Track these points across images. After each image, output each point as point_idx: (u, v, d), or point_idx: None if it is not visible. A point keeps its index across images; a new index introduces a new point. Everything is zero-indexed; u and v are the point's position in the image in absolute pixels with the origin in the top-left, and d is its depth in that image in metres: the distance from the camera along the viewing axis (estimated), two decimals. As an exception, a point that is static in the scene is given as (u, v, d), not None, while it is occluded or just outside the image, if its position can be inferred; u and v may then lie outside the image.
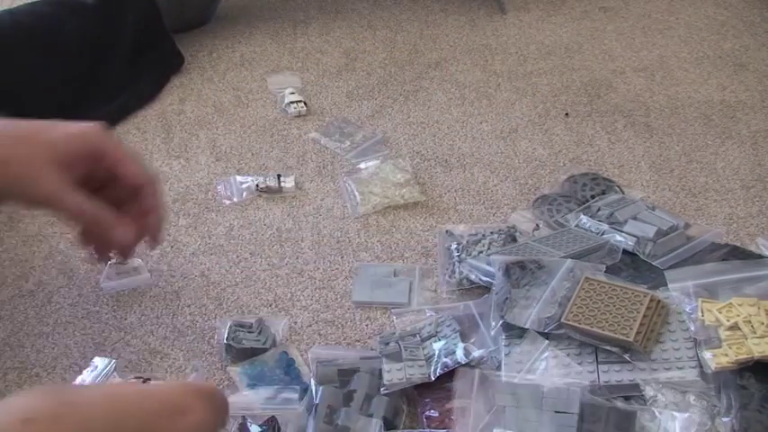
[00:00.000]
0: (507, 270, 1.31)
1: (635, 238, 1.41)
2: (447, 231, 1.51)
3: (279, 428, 1.17)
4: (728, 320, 1.19)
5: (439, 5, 2.41)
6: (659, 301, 1.22)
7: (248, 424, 1.17)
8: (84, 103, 1.98)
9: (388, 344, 1.27)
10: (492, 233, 1.46)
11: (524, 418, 1.08)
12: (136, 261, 1.53)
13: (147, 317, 1.43)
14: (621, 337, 1.16)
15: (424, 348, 1.26)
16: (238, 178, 1.73)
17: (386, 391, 1.18)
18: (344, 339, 1.35)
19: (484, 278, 1.36)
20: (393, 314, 1.37)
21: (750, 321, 1.18)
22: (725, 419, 1.10)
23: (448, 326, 1.29)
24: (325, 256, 1.53)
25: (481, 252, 1.41)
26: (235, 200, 1.69)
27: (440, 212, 1.61)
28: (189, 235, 1.61)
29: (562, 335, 1.21)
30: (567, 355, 1.18)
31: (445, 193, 1.66)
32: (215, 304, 1.45)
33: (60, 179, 0.83)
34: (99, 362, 1.33)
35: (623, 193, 1.59)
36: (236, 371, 1.29)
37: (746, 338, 1.16)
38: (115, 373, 1.31)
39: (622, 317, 1.18)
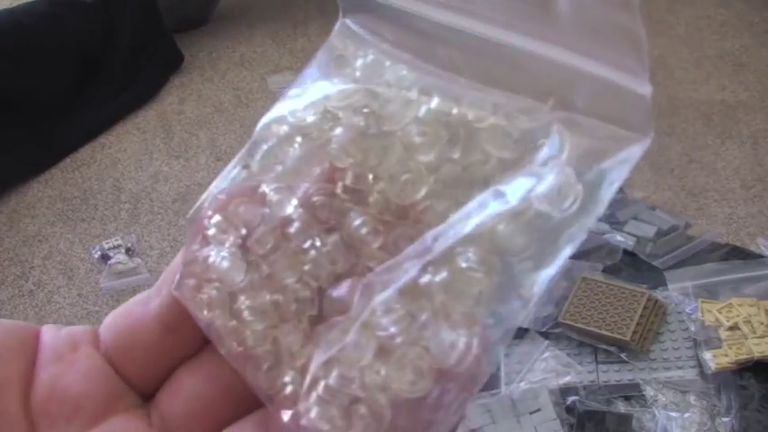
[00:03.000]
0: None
1: (635, 238, 1.41)
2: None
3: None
4: (728, 321, 1.19)
5: (439, 5, 2.41)
6: (657, 300, 1.22)
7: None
8: (83, 102, 1.98)
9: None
10: (492, 233, 1.46)
11: (506, 431, 1.08)
12: (136, 261, 1.53)
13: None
14: (618, 336, 1.16)
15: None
16: (238, 178, 1.73)
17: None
18: (344, 339, 1.35)
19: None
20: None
21: (750, 321, 1.18)
22: (725, 419, 1.10)
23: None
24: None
25: (481, 252, 1.41)
26: (235, 200, 1.69)
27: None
28: (189, 235, 1.61)
29: (560, 334, 1.21)
30: (567, 354, 1.18)
31: None
32: (215, 304, 1.45)
33: None
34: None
35: (623, 193, 1.59)
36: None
37: (746, 339, 1.16)
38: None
39: (619, 316, 1.18)
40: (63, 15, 1.99)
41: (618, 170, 0.21)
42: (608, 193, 0.21)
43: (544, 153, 0.21)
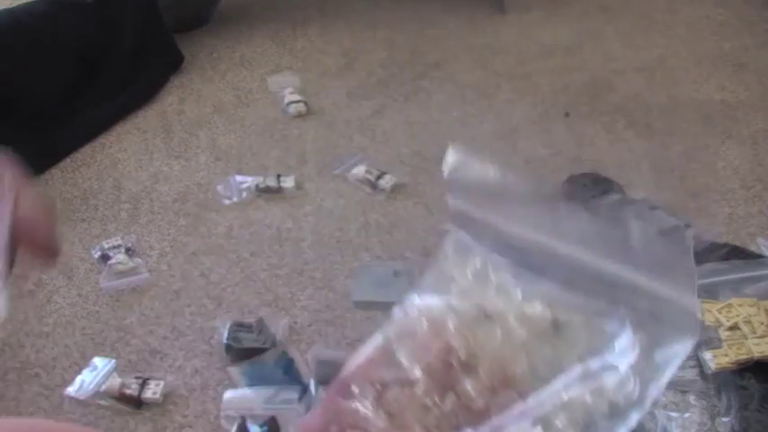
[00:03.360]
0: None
1: (635, 238, 1.41)
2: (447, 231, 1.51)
3: (279, 428, 1.16)
4: (728, 321, 1.19)
5: (439, 5, 2.41)
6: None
7: (248, 424, 1.17)
8: (83, 102, 1.98)
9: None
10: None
11: None
12: (136, 261, 1.53)
13: (146, 317, 1.43)
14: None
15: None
16: (238, 178, 1.73)
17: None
18: (344, 339, 1.35)
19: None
20: (393, 314, 1.37)
21: (750, 322, 1.18)
22: (725, 419, 1.10)
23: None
24: (325, 256, 1.53)
25: (481, 252, 1.41)
26: (235, 200, 1.69)
27: (440, 212, 1.61)
28: (189, 235, 1.61)
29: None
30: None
31: (446, 193, 1.66)
32: (215, 304, 1.45)
33: None
34: (99, 362, 1.33)
35: (624, 193, 1.59)
36: (236, 371, 1.29)
37: (746, 339, 1.16)
38: (115, 373, 1.31)
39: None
40: (63, 15, 1.99)
41: (668, 368, 0.29)
42: (659, 386, 0.29)
43: (619, 346, 0.28)
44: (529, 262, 0.31)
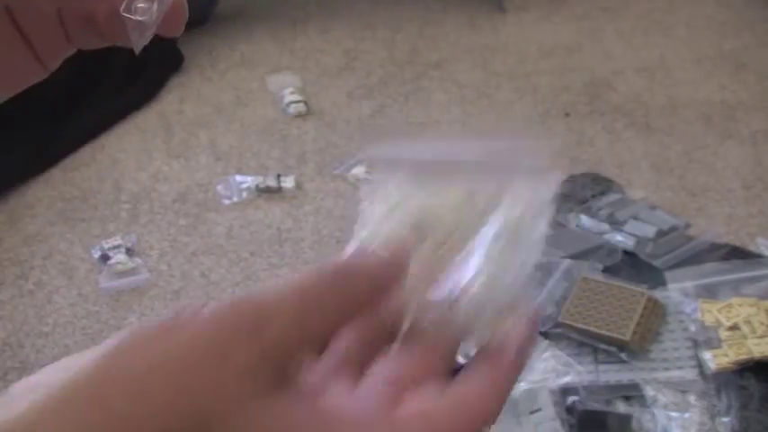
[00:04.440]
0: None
1: (635, 238, 1.41)
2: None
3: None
4: (728, 321, 1.19)
5: (439, 5, 2.40)
6: (656, 300, 1.23)
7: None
8: (83, 102, 1.98)
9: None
10: (492, 233, 1.46)
11: (506, 430, 1.08)
12: (136, 261, 1.53)
13: (147, 317, 1.43)
14: (618, 336, 1.16)
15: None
16: (238, 178, 1.73)
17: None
18: (344, 339, 1.35)
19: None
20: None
21: (750, 322, 1.18)
22: (725, 419, 1.10)
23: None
24: (326, 256, 1.53)
25: (481, 252, 1.41)
26: (235, 200, 1.69)
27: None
28: (189, 235, 1.61)
29: (560, 334, 1.21)
30: (567, 354, 1.18)
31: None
32: (215, 304, 1.45)
33: None
34: (99, 362, 1.33)
35: (623, 193, 1.59)
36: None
37: (746, 339, 1.16)
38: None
39: (619, 316, 1.18)
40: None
41: (549, 193, 0.41)
42: (551, 208, 0.40)
43: (514, 190, 0.40)
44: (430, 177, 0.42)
